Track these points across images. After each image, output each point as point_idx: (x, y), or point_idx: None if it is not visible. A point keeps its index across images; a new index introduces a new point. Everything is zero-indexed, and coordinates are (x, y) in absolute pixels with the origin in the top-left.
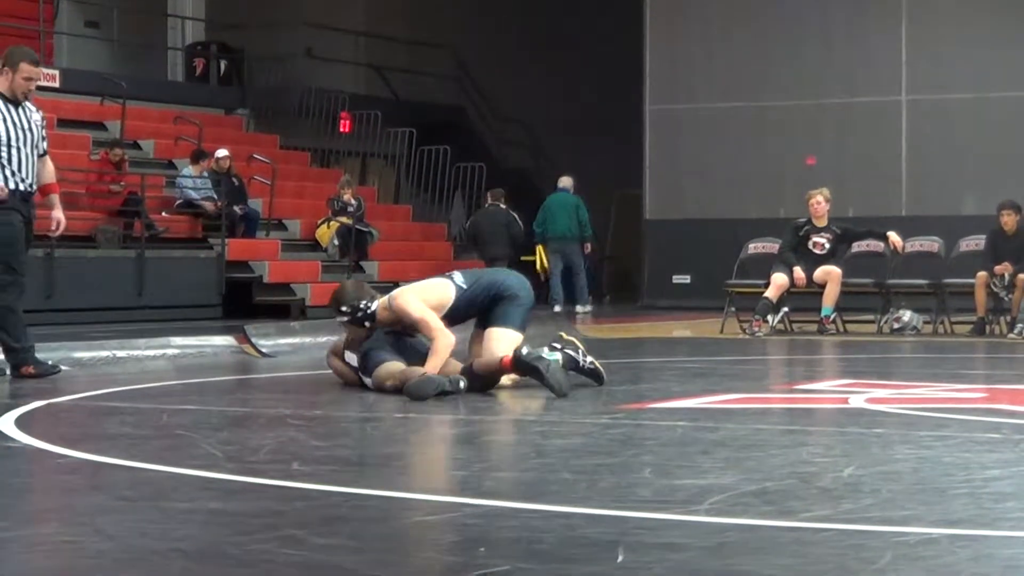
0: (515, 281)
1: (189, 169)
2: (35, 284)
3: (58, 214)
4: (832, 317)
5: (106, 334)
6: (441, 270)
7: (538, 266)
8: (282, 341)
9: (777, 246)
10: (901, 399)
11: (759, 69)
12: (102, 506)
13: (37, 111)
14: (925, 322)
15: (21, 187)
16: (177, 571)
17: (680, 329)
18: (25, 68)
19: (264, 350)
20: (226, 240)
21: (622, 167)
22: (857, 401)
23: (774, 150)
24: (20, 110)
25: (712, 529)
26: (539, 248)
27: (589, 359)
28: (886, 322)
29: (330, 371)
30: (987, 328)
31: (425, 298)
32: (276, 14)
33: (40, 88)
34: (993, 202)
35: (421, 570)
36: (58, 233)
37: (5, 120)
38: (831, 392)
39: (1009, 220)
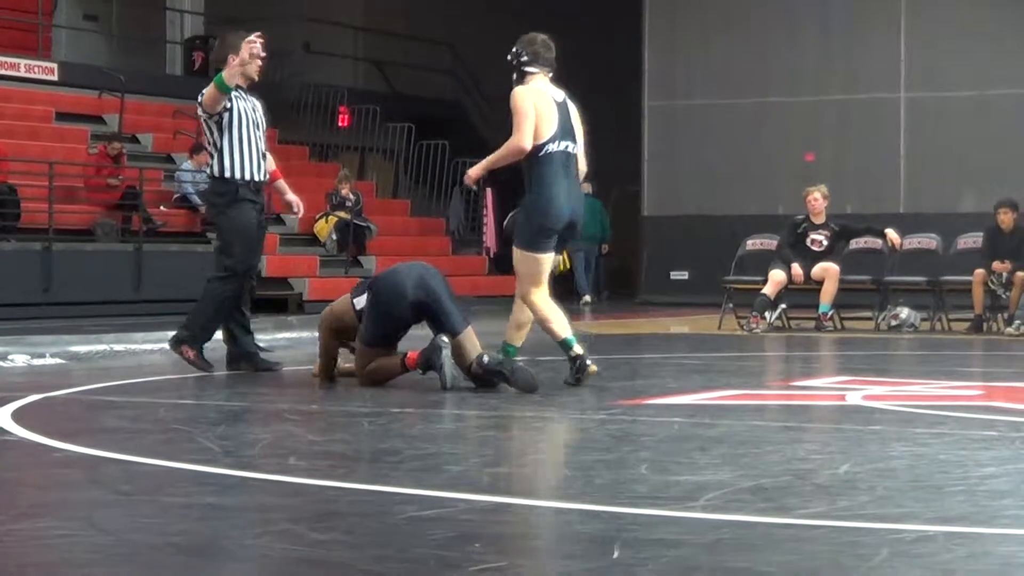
0: None
1: (188, 163)
2: (33, 277)
3: (293, 196)
4: (830, 314)
5: (103, 328)
6: (439, 265)
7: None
8: (279, 336)
9: (775, 243)
10: (898, 396)
11: (758, 65)
12: (98, 500)
13: (257, 99)
14: (923, 319)
15: (257, 177)
16: (173, 566)
17: (678, 325)
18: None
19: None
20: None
21: (620, 163)
22: (854, 398)
23: (772, 146)
24: (246, 96)
25: (708, 526)
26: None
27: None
28: (883, 319)
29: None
30: (984, 325)
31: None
32: (275, 8)
33: (38, 81)
34: (991, 199)
35: (417, 565)
36: (300, 215)
37: (237, 103)
38: (828, 389)
39: (1006, 218)
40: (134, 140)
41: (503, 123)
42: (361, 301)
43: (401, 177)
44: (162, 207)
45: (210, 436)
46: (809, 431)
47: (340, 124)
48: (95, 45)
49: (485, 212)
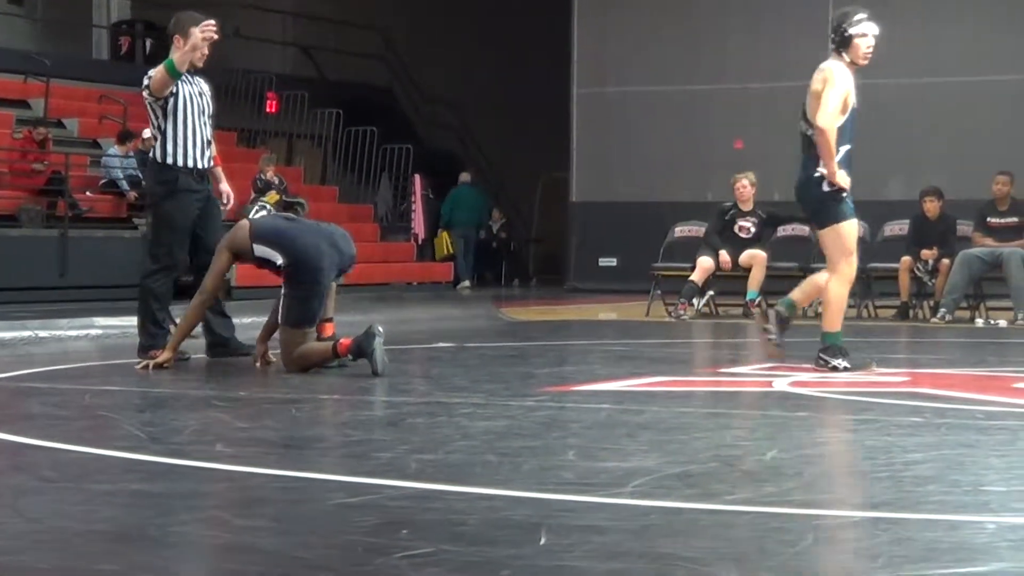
0: None
1: (115, 149)
2: None
3: (226, 187)
4: (758, 301)
5: (28, 314)
6: (367, 253)
7: (439, 249)
8: None
9: (703, 229)
10: (824, 383)
11: (687, 53)
12: (23, 487)
13: (205, 82)
14: (849, 306)
15: (200, 164)
16: (99, 553)
17: (606, 312)
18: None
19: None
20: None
21: (549, 149)
22: (781, 384)
23: (701, 134)
24: (192, 80)
25: (635, 512)
26: (444, 233)
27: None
28: (811, 306)
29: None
30: (910, 312)
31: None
32: None
33: None
34: (917, 187)
35: (344, 552)
36: (230, 207)
37: (183, 88)
38: (755, 375)
39: (932, 206)
40: (59, 125)
41: (431, 110)
42: (262, 249)
43: (329, 163)
44: (88, 192)
45: (136, 423)
46: (736, 417)
47: (268, 110)
48: (20, 29)
49: (413, 199)
